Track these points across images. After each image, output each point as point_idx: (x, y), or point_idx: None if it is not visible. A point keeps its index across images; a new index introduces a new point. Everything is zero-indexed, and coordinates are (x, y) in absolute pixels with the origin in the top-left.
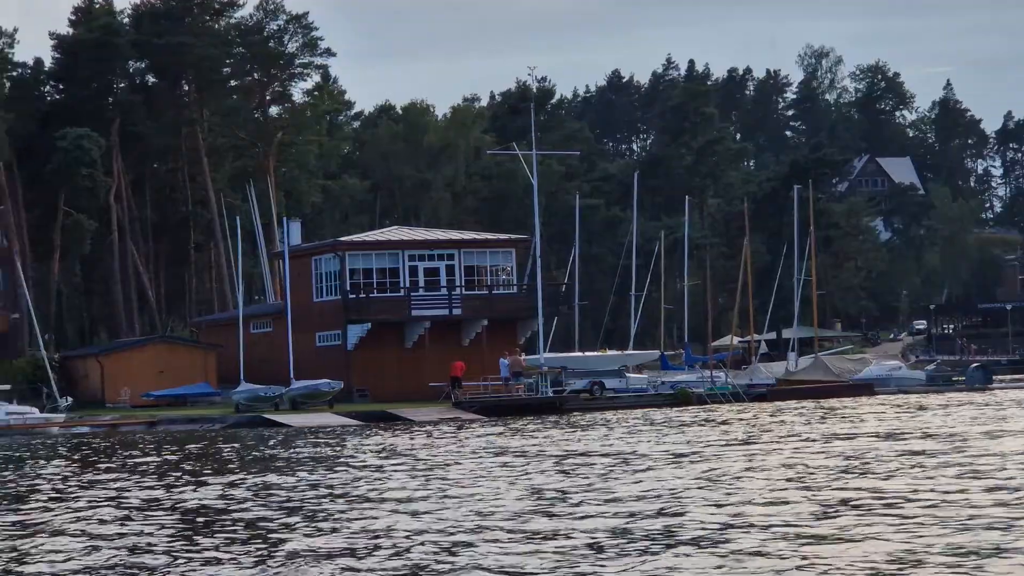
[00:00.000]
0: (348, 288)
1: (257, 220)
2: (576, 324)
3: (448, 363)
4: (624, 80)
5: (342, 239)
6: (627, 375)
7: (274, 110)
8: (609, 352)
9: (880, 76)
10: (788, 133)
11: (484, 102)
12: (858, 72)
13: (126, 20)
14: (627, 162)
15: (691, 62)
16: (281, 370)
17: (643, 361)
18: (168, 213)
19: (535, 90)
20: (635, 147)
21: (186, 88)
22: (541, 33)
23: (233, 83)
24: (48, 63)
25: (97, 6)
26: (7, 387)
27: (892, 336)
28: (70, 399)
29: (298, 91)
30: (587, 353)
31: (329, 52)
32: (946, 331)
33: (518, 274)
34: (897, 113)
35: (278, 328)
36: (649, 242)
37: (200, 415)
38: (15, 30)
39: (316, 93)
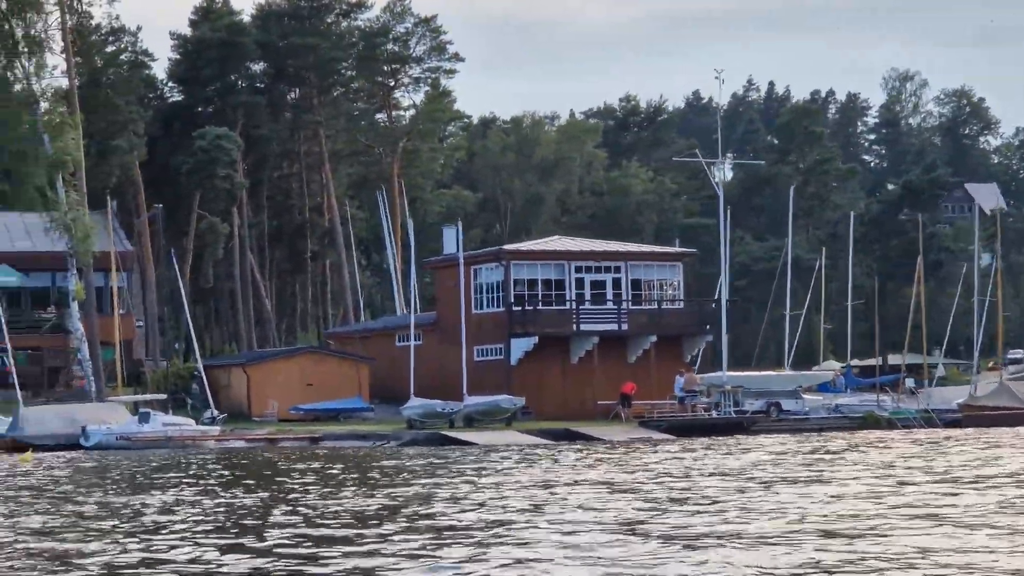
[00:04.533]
0: (512, 300)
1: (388, 228)
2: (724, 343)
3: (613, 380)
4: (704, 101)
5: (506, 247)
6: (802, 396)
7: (398, 115)
8: (786, 372)
9: (965, 101)
10: (866, 157)
11: (563, 119)
12: (943, 96)
13: (247, 19)
14: (734, 180)
15: (771, 83)
16: (431, 385)
17: (819, 381)
18: (284, 220)
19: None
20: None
21: (307, 91)
22: (618, 53)
23: (355, 86)
24: (168, 63)
25: (218, 5)
26: (163, 396)
27: (991, 364)
28: (216, 412)
29: (422, 96)
30: (764, 372)
31: (457, 57)
32: None
33: (684, 289)
34: (981, 139)
35: (428, 340)
36: (756, 262)
37: (369, 431)
38: (138, 28)
39: (441, 99)
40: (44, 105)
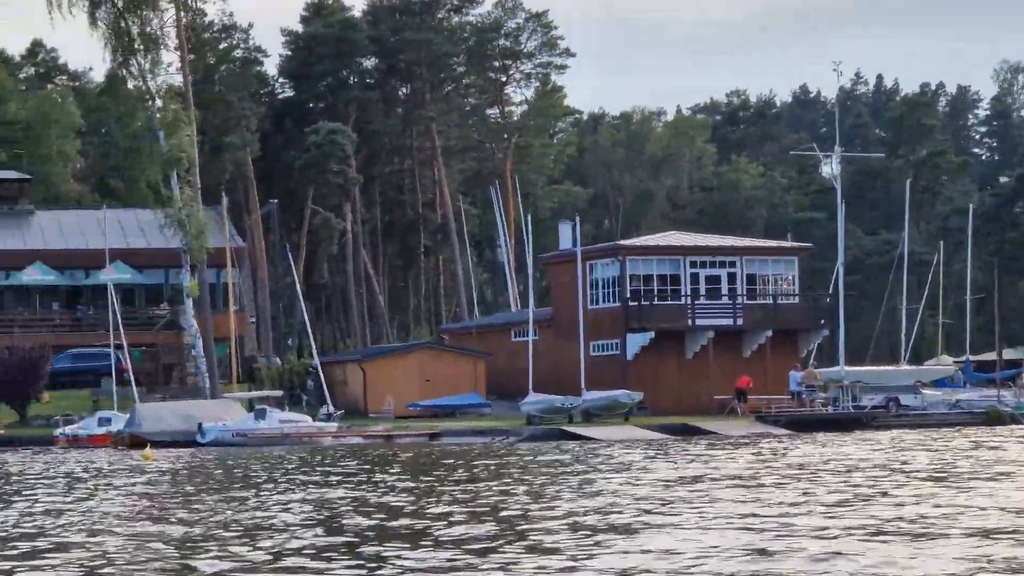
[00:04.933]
0: (628, 295)
1: (502, 223)
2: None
3: (729, 375)
4: (811, 95)
5: (622, 243)
6: (921, 391)
7: (509, 111)
8: (904, 367)
9: None
10: (977, 150)
11: (670, 116)
12: None
13: (357, 15)
14: (844, 174)
15: (879, 77)
16: (546, 380)
17: (939, 376)
18: (396, 216)
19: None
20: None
21: (419, 86)
22: (720, 49)
23: (467, 82)
24: (279, 59)
25: (331, 2)
26: (279, 392)
27: None
28: (333, 409)
29: (534, 91)
30: (882, 367)
31: (568, 52)
32: None
33: (799, 283)
34: None
35: (544, 336)
36: (868, 256)
37: (488, 427)
38: (250, 25)
39: (552, 94)
40: (158, 102)
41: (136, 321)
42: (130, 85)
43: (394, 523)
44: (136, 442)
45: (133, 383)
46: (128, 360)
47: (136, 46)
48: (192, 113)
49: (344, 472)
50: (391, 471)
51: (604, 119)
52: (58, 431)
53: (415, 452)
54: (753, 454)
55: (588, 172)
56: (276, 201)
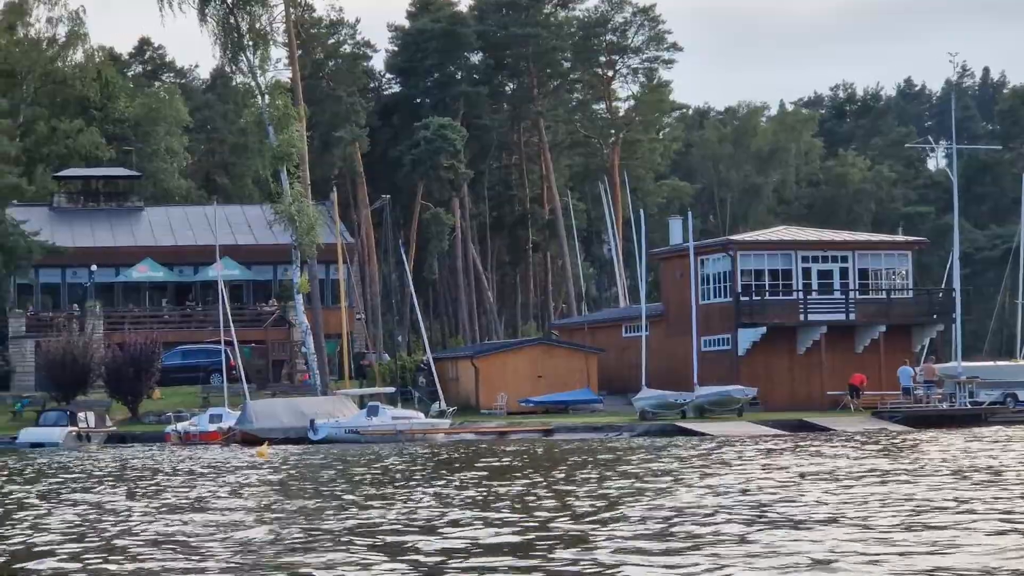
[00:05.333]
0: (739, 290)
1: (611, 219)
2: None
3: (840, 370)
4: (916, 88)
5: (734, 238)
6: None
7: (616, 105)
8: (1021, 362)
9: None
10: None
11: (773, 110)
12: None
13: (464, 10)
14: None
15: (986, 69)
16: (657, 375)
17: None
18: (504, 211)
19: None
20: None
21: (526, 81)
22: (821, 42)
23: (573, 77)
24: (385, 54)
25: None
26: (391, 389)
27: None
28: (445, 405)
29: (637, 87)
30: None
31: (675, 47)
32: None
33: (912, 278)
34: None
35: (654, 331)
36: (979, 250)
37: (603, 423)
38: (357, 21)
39: (660, 89)
40: (267, 98)
41: (245, 318)
42: (239, 81)
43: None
44: (248, 439)
45: (244, 379)
46: (238, 357)
47: (245, 42)
48: (302, 108)
49: (504, 468)
50: (546, 466)
51: (709, 114)
52: (169, 428)
53: (571, 448)
54: (939, 450)
55: (694, 167)
56: (389, 196)
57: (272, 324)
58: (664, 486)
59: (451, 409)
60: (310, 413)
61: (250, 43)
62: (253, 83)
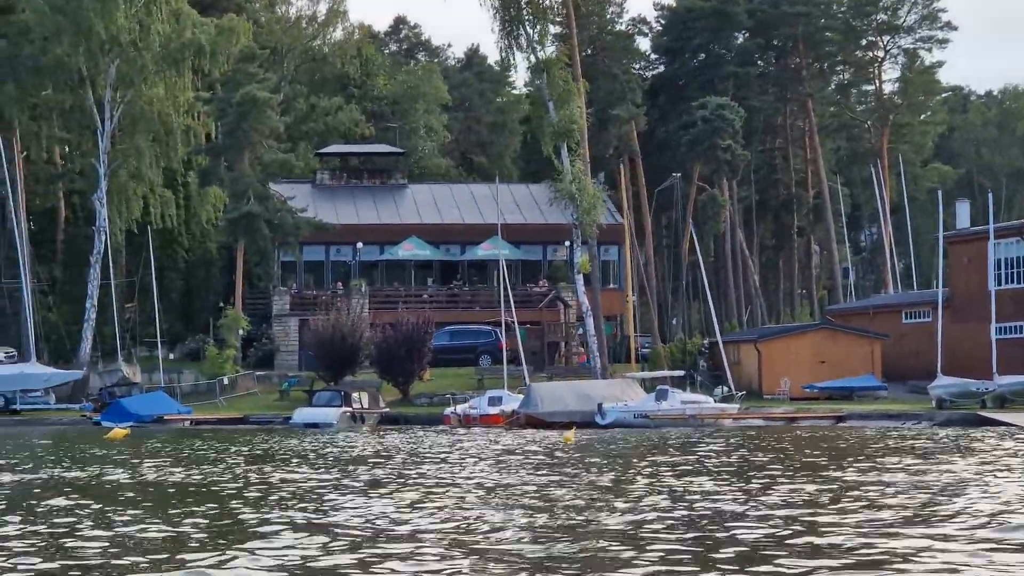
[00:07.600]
0: None
1: (885, 203)
2: None
3: None
4: None
5: None
6: None
7: (887, 87)
8: None
9: None
10: None
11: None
12: None
13: None
14: None
15: None
16: (943, 363)
17: None
18: (770, 195)
19: None
20: None
21: (794, 61)
22: None
23: (840, 57)
24: (651, 33)
25: None
26: (680, 373)
27: None
28: (733, 389)
29: (903, 67)
30: None
31: (950, 26)
32: None
33: None
34: None
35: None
36: None
37: (897, 411)
38: None
39: (931, 70)
40: (546, 74)
41: (516, 298)
42: (518, 56)
43: None
44: (532, 422)
45: (524, 362)
46: (512, 338)
47: (524, 15)
48: (582, 84)
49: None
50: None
51: (972, 96)
52: (448, 410)
53: (877, 436)
54: None
55: (957, 151)
56: (679, 175)
57: (547, 305)
58: None
59: (740, 394)
60: (597, 397)
61: (529, 16)
62: (533, 58)
